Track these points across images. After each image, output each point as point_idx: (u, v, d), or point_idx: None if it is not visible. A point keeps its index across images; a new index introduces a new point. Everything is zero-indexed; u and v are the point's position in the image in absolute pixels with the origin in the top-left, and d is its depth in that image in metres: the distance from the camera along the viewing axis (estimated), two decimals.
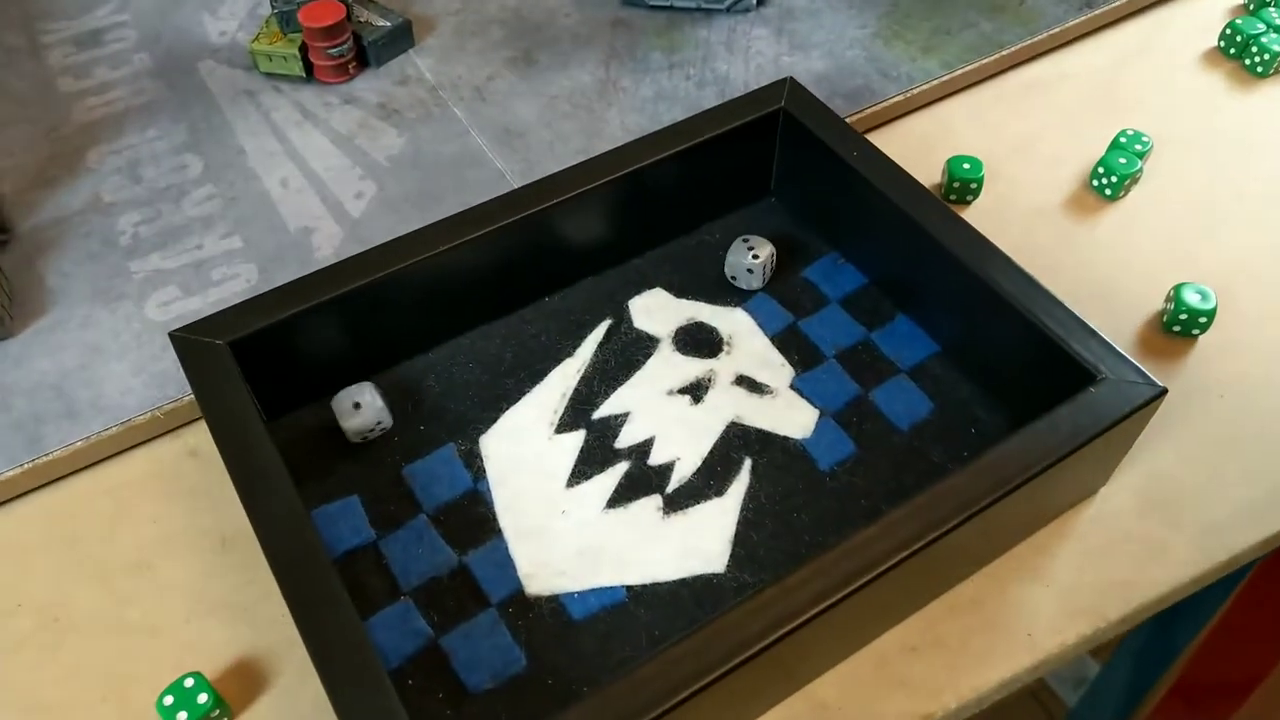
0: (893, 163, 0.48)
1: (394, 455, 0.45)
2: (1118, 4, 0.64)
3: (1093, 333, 0.41)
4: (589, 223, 0.49)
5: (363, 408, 0.44)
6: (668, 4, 0.64)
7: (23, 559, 0.43)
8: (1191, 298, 0.48)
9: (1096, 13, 0.64)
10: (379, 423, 0.45)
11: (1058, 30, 0.63)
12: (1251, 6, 0.66)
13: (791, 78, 0.51)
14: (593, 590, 0.41)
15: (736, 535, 0.42)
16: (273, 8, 0.60)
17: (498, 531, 0.43)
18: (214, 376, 0.42)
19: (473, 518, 0.43)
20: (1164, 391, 0.39)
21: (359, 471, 0.45)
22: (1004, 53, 0.61)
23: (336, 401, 0.45)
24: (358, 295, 0.44)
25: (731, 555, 0.41)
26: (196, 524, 0.44)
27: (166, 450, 0.47)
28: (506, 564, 0.42)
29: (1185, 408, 0.46)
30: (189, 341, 0.42)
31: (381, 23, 0.61)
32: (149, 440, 0.47)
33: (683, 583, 0.41)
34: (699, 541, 0.42)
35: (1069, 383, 0.40)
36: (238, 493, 0.39)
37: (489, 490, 0.44)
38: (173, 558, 0.43)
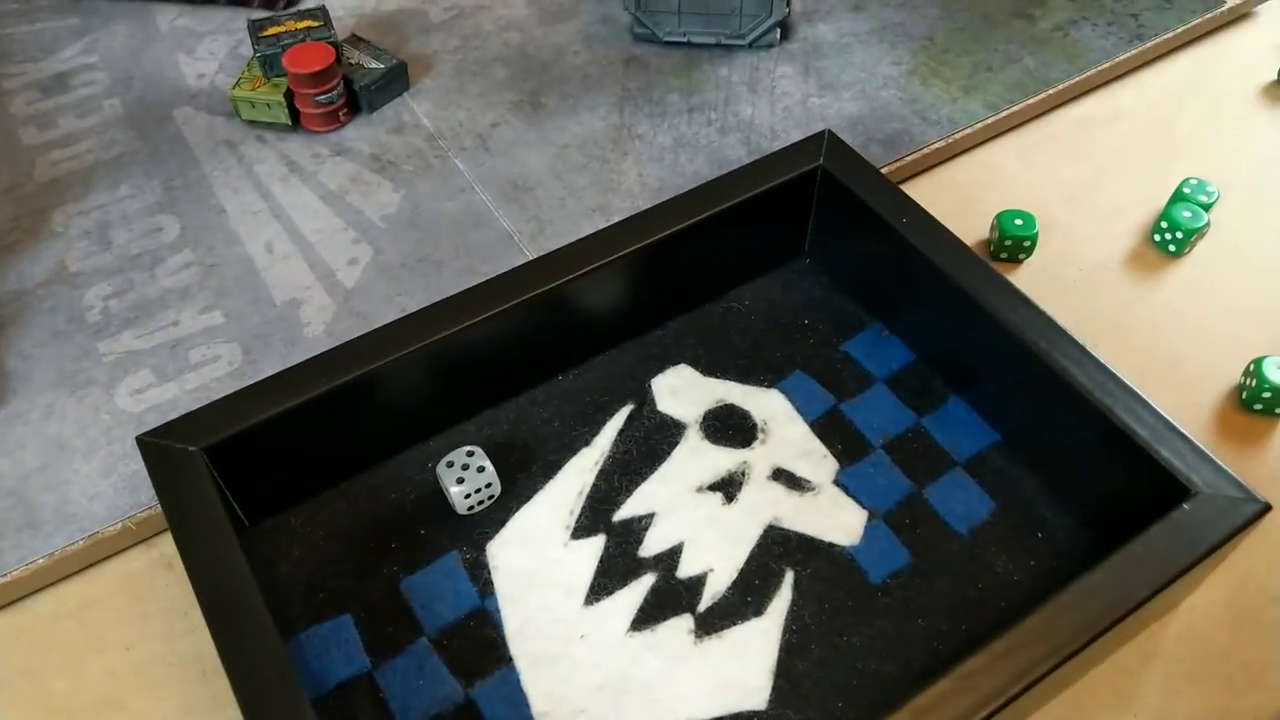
0: (945, 229, 0.43)
1: (391, 565, 0.40)
2: (1168, 36, 0.59)
3: (1184, 437, 0.36)
4: (608, 294, 0.45)
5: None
6: (684, 39, 0.59)
7: None
8: (1275, 374, 0.44)
9: (1146, 46, 0.59)
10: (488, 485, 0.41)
11: (1107, 65, 0.58)
12: None
13: (829, 130, 0.46)
14: None
15: (779, 663, 0.37)
16: (255, 50, 0.55)
17: (508, 660, 0.38)
18: (185, 487, 0.37)
19: (480, 641, 0.38)
20: (1267, 508, 0.35)
21: (352, 584, 0.40)
22: (1051, 91, 0.56)
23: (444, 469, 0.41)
24: (352, 388, 0.39)
25: (774, 688, 0.37)
26: (174, 650, 0.39)
27: (139, 562, 0.42)
28: (519, 700, 0.37)
29: (1273, 498, 0.42)
30: (158, 448, 0.37)
31: (374, 65, 0.56)
32: (119, 552, 0.42)
33: None
34: (737, 671, 0.37)
35: (1154, 493, 0.36)
36: (208, 626, 0.34)
37: (498, 609, 0.39)
38: (148, 691, 0.38)
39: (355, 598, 0.39)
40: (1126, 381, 0.38)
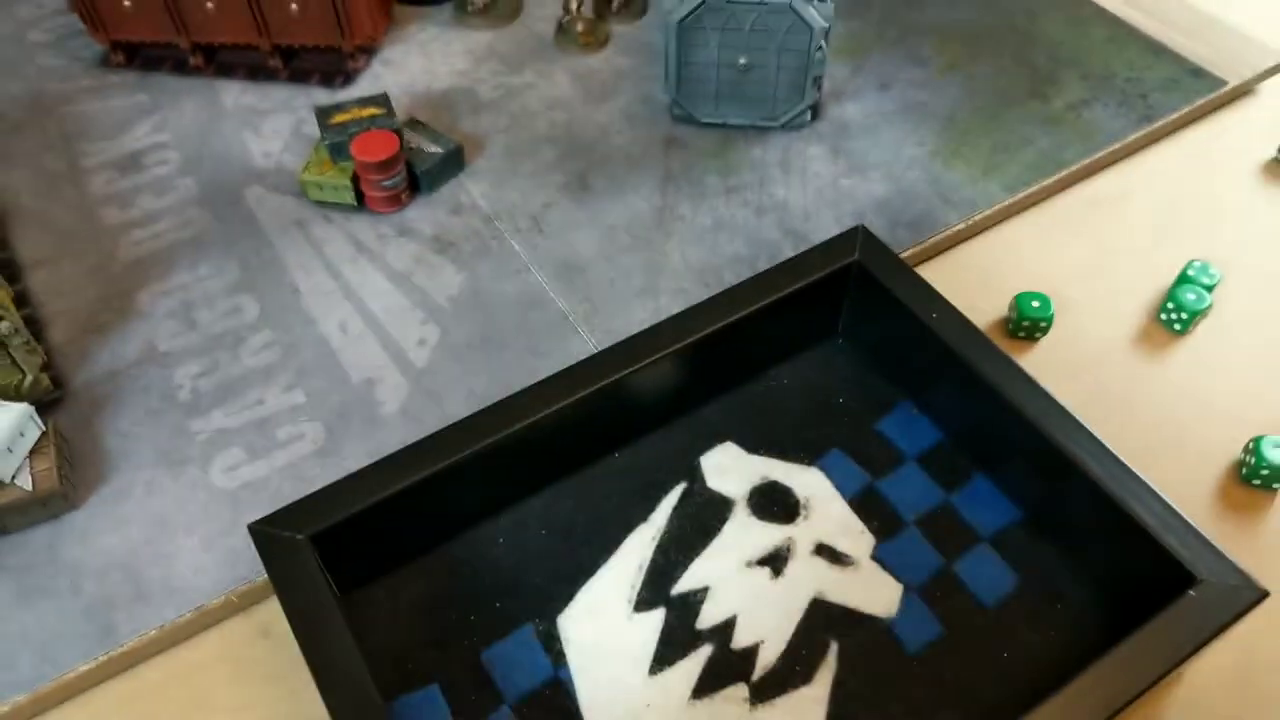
0: (971, 325, 0.47)
1: (471, 636, 0.44)
2: (1174, 116, 0.63)
3: (1188, 526, 0.40)
4: (662, 381, 0.49)
5: None
6: (720, 121, 0.63)
7: None
8: (1273, 454, 0.48)
9: (1154, 126, 0.63)
10: None
11: (1117, 146, 0.62)
12: None
13: (864, 226, 0.50)
14: None
15: None
16: (323, 138, 0.59)
17: None
18: (295, 571, 0.41)
19: (556, 708, 0.42)
20: (1265, 595, 0.39)
21: (436, 653, 0.44)
22: (1064, 172, 0.60)
23: None
24: (436, 478, 0.44)
25: None
26: (276, 714, 0.43)
27: (238, 630, 0.46)
28: None
29: (1273, 569, 0.46)
30: (269, 535, 0.42)
31: (433, 149, 0.60)
32: (220, 620, 0.46)
33: None
34: None
35: (1163, 575, 0.40)
36: (321, 695, 0.38)
37: (571, 679, 0.43)
38: None
39: (440, 667, 0.44)
40: (1135, 471, 0.42)
